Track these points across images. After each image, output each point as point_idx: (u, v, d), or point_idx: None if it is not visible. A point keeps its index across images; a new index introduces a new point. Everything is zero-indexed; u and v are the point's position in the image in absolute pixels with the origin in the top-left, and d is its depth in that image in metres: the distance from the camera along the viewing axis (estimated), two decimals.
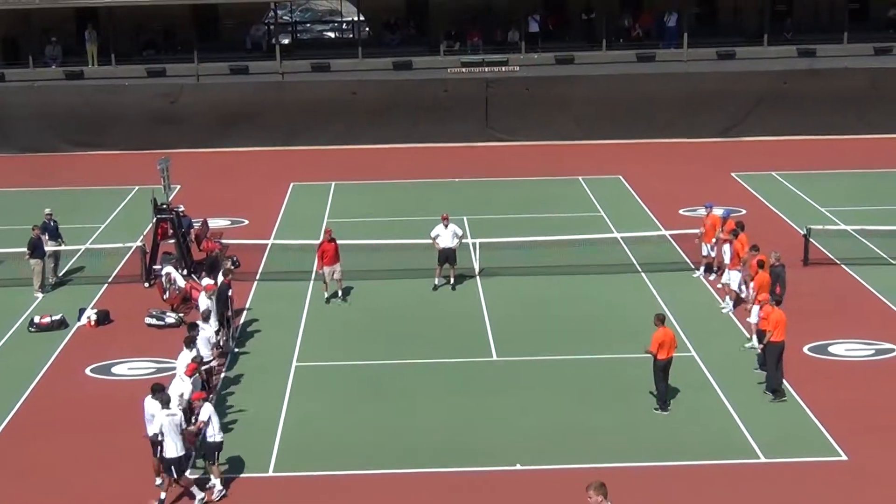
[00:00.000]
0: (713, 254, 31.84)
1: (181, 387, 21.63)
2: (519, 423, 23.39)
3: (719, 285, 30.57)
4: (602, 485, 14.48)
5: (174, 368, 25.01)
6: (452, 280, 31.86)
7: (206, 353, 23.68)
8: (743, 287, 29.30)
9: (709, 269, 32.00)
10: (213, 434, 20.54)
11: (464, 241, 32.75)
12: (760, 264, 27.50)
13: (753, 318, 26.05)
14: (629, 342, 27.39)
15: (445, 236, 31.63)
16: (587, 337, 28.12)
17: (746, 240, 29.73)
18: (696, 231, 32.59)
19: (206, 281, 27.54)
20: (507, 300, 30.81)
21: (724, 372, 25.70)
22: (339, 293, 31.09)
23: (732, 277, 29.55)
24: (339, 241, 31.38)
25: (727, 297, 29.63)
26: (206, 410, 20.48)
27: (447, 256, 31.68)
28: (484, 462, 21.67)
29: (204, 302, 26.21)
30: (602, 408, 24.05)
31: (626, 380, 25.38)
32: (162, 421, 20.13)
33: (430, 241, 31.83)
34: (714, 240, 31.41)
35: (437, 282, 31.71)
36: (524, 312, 29.90)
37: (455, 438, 22.75)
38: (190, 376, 21.95)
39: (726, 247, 30.77)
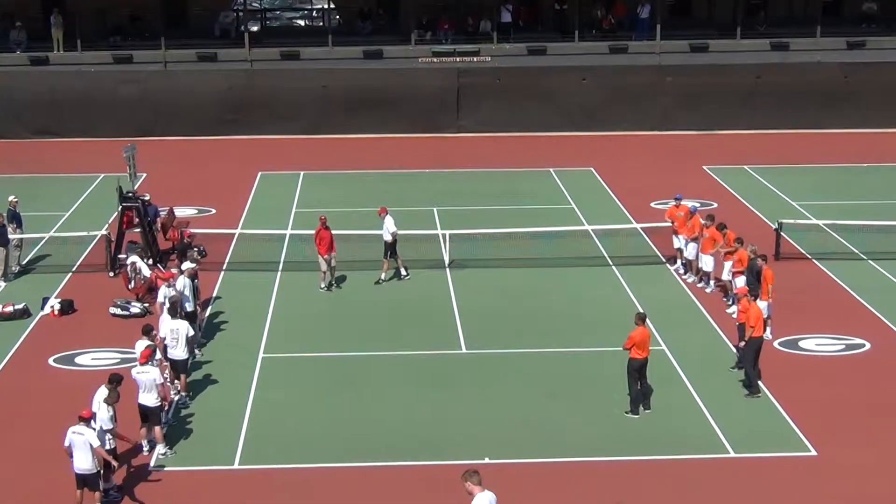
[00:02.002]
0: (685, 251, 31.70)
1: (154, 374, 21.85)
2: (487, 417, 23.40)
3: (701, 285, 30.59)
4: (475, 472, 16.04)
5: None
6: (403, 270, 31.79)
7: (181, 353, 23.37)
8: (712, 282, 29.56)
9: (686, 269, 31.92)
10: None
11: (434, 232, 32.68)
12: (763, 258, 27.51)
13: (764, 311, 26.08)
14: (599, 336, 27.47)
15: (385, 230, 31.53)
16: (557, 330, 28.16)
17: (717, 234, 29.91)
18: (668, 224, 32.70)
19: (186, 264, 27.23)
20: (477, 292, 30.82)
21: (695, 366, 25.80)
22: (333, 281, 31.04)
23: (705, 261, 29.94)
24: (307, 232, 31.30)
25: (731, 298, 29.56)
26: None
27: (385, 249, 31.59)
28: (452, 456, 21.66)
29: (163, 293, 25.97)
30: (571, 402, 24.09)
31: (595, 374, 25.43)
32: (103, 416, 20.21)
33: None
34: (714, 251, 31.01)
35: (383, 276, 31.66)
36: (494, 305, 29.92)
37: (423, 432, 22.75)
38: (144, 363, 21.96)
39: (727, 263, 30.12)
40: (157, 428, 21.95)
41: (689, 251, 31.31)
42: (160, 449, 21.84)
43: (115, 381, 20.75)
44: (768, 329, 26.87)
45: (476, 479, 16.14)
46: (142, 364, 21.97)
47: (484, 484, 16.25)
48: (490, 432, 22.70)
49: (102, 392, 20.73)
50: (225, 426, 22.98)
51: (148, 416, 21.88)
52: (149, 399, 21.72)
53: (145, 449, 21.83)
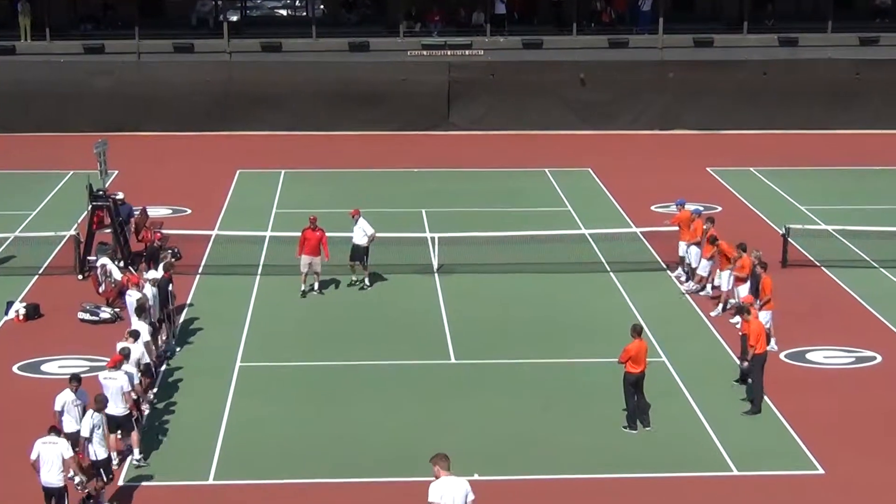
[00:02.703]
0: (688, 258, 31.71)
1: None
2: (478, 430, 23.40)
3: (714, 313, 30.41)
4: (445, 457, 17.17)
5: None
6: (367, 280, 31.77)
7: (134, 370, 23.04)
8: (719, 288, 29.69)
9: (688, 276, 31.96)
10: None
11: (422, 235, 32.68)
12: (764, 266, 27.55)
13: (765, 320, 26.18)
14: (596, 346, 27.48)
15: (356, 233, 31.50)
16: (551, 339, 28.18)
17: (730, 248, 29.92)
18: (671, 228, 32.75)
19: (152, 273, 27.24)
20: (467, 299, 30.83)
21: (696, 379, 25.82)
22: (316, 286, 31.02)
23: (723, 277, 29.74)
24: (288, 234, 31.26)
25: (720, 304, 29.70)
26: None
27: (355, 254, 31.57)
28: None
29: (133, 297, 25.92)
30: (566, 415, 24.10)
31: (591, 386, 25.45)
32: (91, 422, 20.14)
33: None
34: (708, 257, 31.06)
35: (353, 278, 31.70)
36: (485, 312, 29.92)
37: (410, 445, 22.73)
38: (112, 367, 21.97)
39: (695, 248, 30.85)
40: (134, 433, 21.93)
41: (693, 258, 31.28)
42: (136, 454, 21.81)
43: (78, 379, 20.93)
44: (772, 340, 26.91)
45: (445, 465, 17.29)
46: (110, 368, 21.94)
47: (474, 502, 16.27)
48: (480, 447, 22.69)
49: (68, 395, 20.76)
50: (199, 439, 22.94)
51: (119, 425, 21.82)
52: (116, 409, 21.57)
53: (137, 455, 21.83)
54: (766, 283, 27.18)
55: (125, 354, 22.61)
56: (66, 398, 20.93)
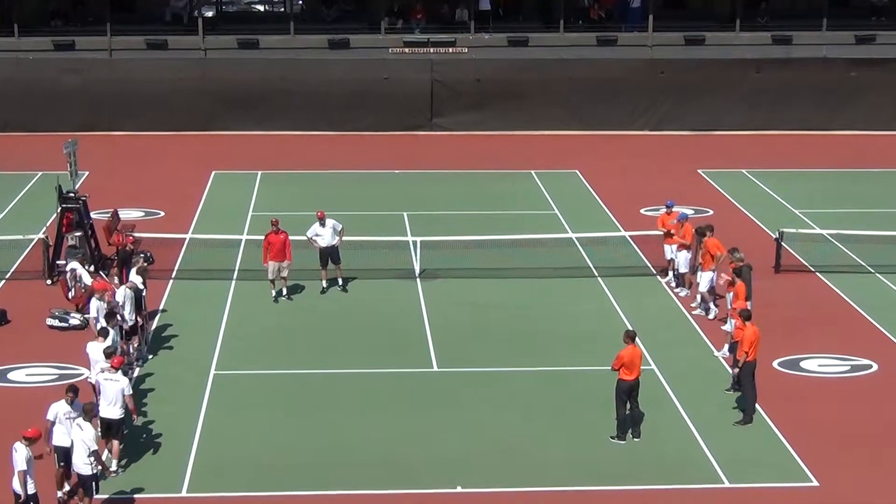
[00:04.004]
0: (677, 262, 31.78)
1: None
2: (460, 441, 23.39)
3: (695, 307, 30.57)
4: None
5: (79, 375, 24.91)
6: (341, 281, 31.80)
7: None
8: (713, 307, 29.89)
9: (678, 282, 32.03)
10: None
11: (403, 239, 32.68)
12: (737, 271, 27.61)
13: (729, 327, 26.33)
14: (583, 354, 27.52)
15: (325, 234, 31.50)
16: (537, 347, 28.19)
17: (718, 245, 29.98)
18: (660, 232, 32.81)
19: (134, 278, 27.17)
20: (450, 306, 30.82)
21: (687, 388, 25.86)
22: (284, 291, 31.00)
23: (703, 279, 29.85)
24: (260, 237, 31.24)
25: (710, 305, 29.81)
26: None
27: (329, 256, 31.59)
28: (421, 484, 21.67)
29: (94, 306, 25.86)
30: (551, 426, 24.11)
31: (578, 395, 25.47)
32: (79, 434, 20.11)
33: (308, 240, 31.51)
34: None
35: (324, 284, 31.67)
36: (468, 319, 29.93)
37: (390, 457, 22.71)
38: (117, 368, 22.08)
39: (684, 253, 31.00)
40: (116, 442, 21.99)
41: (681, 263, 31.36)
42: (113, 466, 21.82)
43: (75, 391, 20.91)
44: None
45: None
46: (114, 369, 21.93)
47: None
48: (463, 458, 22.69)
49: (62, 406, 20.68)
50: (172, 450, 22.88)
51: (111, 428, 21.89)
52: (114, 411, 21.72)
53: (114, 467, 21.81)
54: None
55: (110, 352, 22.59)
56: (59, 409, 20.75)
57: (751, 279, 28.04)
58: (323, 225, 31.46)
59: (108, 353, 22.53)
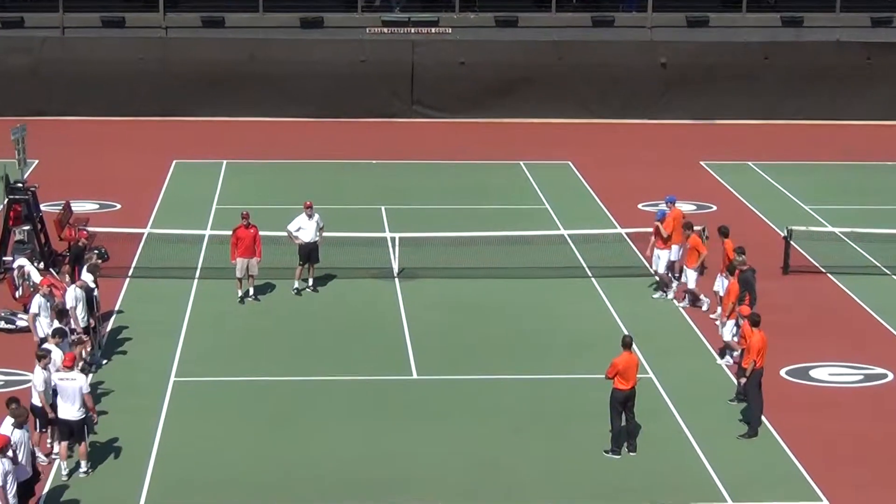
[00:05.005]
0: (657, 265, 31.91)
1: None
2: (442, 455, 23.41)
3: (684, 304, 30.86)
4: None
5: (27, 381, 24.84)
6: (311, 281, 31.80)
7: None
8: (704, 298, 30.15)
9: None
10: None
11: (381, 235, 32.71)
12: (731, 269, 27.73)
13: (727, 336, 26.41)
14: (575, 361, 27.57)
15: (309, 229, 31.45)
16: (525, 354, 28.22)
17: (699, 242, 30.16)
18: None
19: (86, 276, 27.13)
20: (431, 308, 30.85)
21: (687, 397, 25.91)
22: (252, 291, 30.99)
23: (689, 277, 30.18)
24: (230, 233, 31.18)
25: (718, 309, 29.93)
26: None
27: (309, 253, 31.55)
28: (400, 499, 21.68)
29: (37, 303, 25.80)
30: (540, 439, 24.13)
31: (569, 406, 25.50)
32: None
33: (289, 235, 31.50)
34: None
35: (297, 285, 31.65)
36: (451, 323, 29.95)
37: (364, 472, 22.71)
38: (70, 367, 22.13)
39: (664, 252, 31.21)
40: (83, 444, 22.19)
41: (661, 263, 31.29)
42: (82, 467, 22.08)
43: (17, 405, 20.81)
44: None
45: None
46: (67, 368, 21.96)
47: None
48: (444, 473, 22.70)
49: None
50: (128, 464, 22.84)
51: (73, 431, 22.07)
52: (73, 412, 21.90)
53: (65, 471, 22.02)
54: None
55: (41, 354, 22.57)
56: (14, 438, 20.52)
57: (755, 283, 28.07)
58: (310, 217, 31.40)
59: (39, 356, 22.53)
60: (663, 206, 32.19)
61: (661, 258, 31.15)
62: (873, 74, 51.58)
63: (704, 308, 30.30)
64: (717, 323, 28.37)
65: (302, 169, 43.60)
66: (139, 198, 39.52)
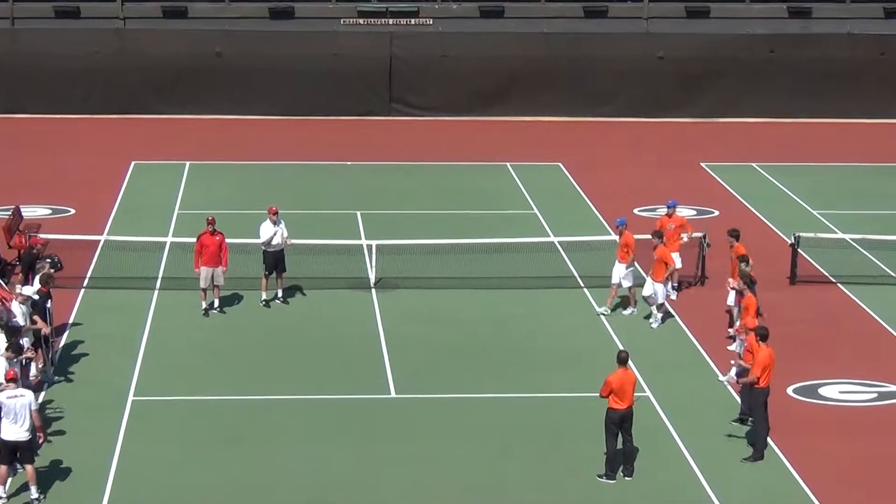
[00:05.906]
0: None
1: None
2: (422, 480, 23.40)
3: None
4: None
5: None
6: (281, 292, 31.82)
7: None
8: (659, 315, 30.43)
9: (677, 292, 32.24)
10: None
11: (356, 242, 32.70)
12: (744, 277, 27.72)
13: (736, 347, 26.46)
14: (566, 376, 27.59)
15: (276, 235, 31.48)
16: (512, 370, 28.24)
17: (668, 255, 30.39)
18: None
19: (27, 289, 27.01)
20: (411, 321, 30.86)
21: (687, 417, 25.94)
22: (217, 303, 30.97)
23: (657, 289, 30.31)
24: (193, 240, 31.16)
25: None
26: None
27: (277, 262, 31.56)
28: None
29: None
30: (529, 462, 24.14)
31: (560, 426, 25.53)
32: None
33: (262, 243, 31.40)
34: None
35: (265, 296, 31.66)
36: (432, 337, 29.96)
37: (339, 496, 22.70)
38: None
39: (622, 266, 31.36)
40: (30, 467, 21.97)
41: (623, 276, 31.34)
42: (33, 493, 21.87)
43: None
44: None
45: None
46: (10, 383, 21.83)
47: None
48: (426, 499, 22.70)
49: None
50: (84, 487, 22.79)
51: (18, 452, 21.89)
52: (19, 432, 21.70)
53: (3, 496, 21.90)
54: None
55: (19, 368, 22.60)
56: None
57: (755, 295, 28.11)
58: (275, 224, 31.40)
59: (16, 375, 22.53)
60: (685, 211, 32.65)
61: (617, 270, 31.20)
62: (887, 69, 51.71)
63: (654, 326, 30.39)
64: (737, 340, 28.29)
65: (271, 171, 43.58)
66: (95, 202, 39.47)
